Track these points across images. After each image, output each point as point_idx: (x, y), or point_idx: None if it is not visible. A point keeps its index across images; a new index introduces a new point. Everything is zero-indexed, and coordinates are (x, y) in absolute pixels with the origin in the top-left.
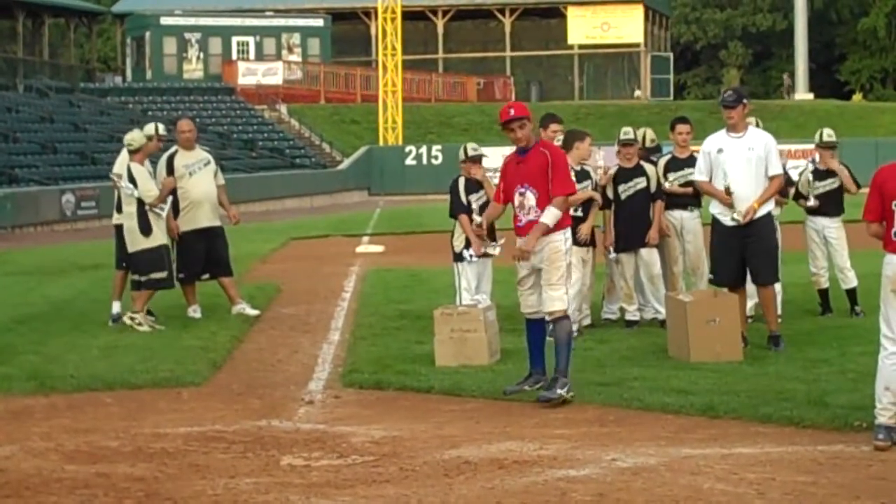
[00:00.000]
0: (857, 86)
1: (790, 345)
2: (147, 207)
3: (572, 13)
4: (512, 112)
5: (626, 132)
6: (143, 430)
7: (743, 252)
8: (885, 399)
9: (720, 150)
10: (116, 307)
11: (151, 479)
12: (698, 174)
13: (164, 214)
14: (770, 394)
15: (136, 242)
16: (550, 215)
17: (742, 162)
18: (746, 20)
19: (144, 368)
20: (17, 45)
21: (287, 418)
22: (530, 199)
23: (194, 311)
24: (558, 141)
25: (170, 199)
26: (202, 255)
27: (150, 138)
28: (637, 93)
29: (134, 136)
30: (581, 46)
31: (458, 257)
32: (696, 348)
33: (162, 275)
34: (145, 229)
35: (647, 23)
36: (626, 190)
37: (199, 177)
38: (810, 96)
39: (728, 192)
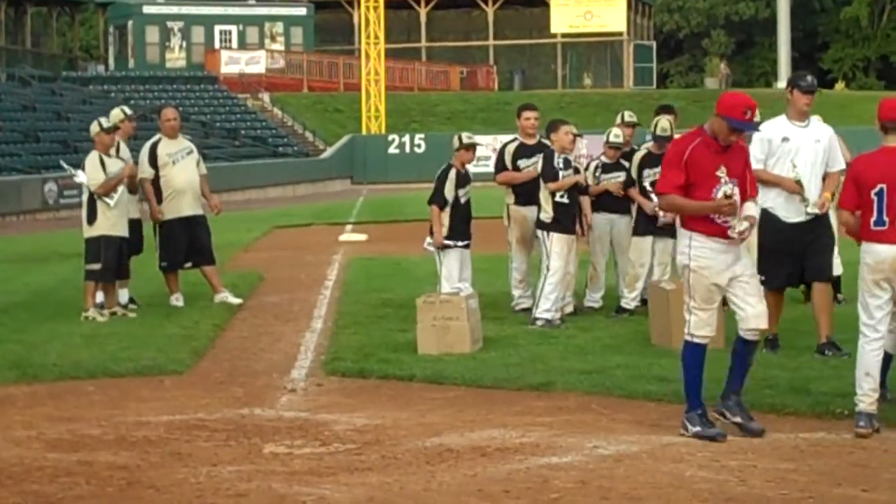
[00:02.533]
0: (839, 74)
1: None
2: (95, 196)
3: (555, 2)
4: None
5: (664, 129)
6: (126, 419)
7: (802, 250)
8: (866, 385)
9: (785, 139)
10: (123, 295)
11: (134, 468)
12: (755, 162)
13: (112, 203)
14: (752, 381)
15: (83, 230)
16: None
17: (811, 153)
18: (729, 9)
19: (127, 357)
20: (0, 33)
21: (269, 406)
22: (738, 197)
23: (177, 300)
24: (534, 128)
25: (121, 189)
26: (185, 243)
27: (121, 121)
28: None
29: (92, 126)
30: (564, 35)
31: (440, 245)
32: (679, 336)
33: (96, 266)
34: (90, 218)
35: (630, 11)
36: (649, 175)
37: (182, 165)
38: None
39: (799, 183)
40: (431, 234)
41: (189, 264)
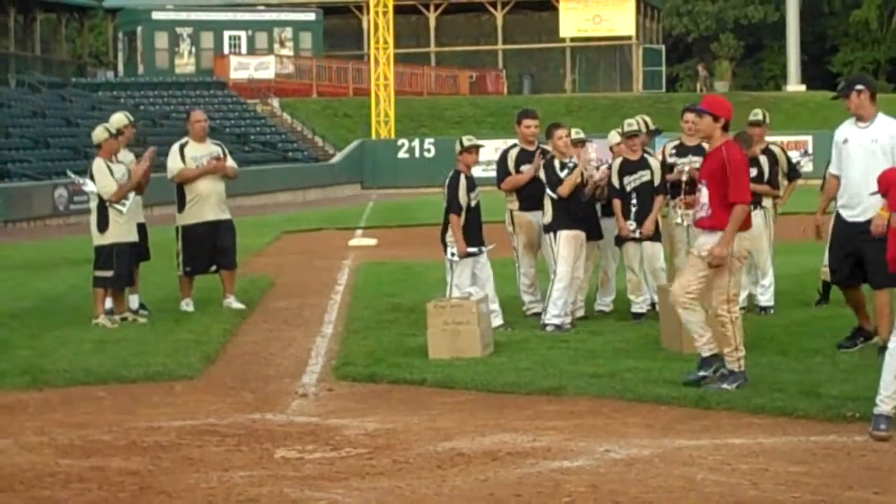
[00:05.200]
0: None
1: (783, 335)
2: (108, 203)
3: (564, 6)
4: None
5: (630, 123)
6: (137, 424)
7: (860, 250)
8: (893, 388)
9: (846, 141)
10: (134, 301)
11: (145, 473)
12: (832, 167)
13: (125, 210)
14: (763, 384)
15: (93, 238)
16: None
17: (860, 153)
18: (738, 12)
19: (137, 362)
20: (9, 40)
21: (281, 411)
22: None
23: (187, 305)
24: (534, 136)
25: (132, 196)
26: (209, 249)
27: (125, 126)
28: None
29: (97, 133)
30: (573, 39)
31: (464, 255)
32: (689, 340)
33: (108, 274)
34: (101, 226)
35: (639, 15)
36: (630, 182)
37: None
38: (802, 88)
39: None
40: (444, 244)
41: (214, 268)
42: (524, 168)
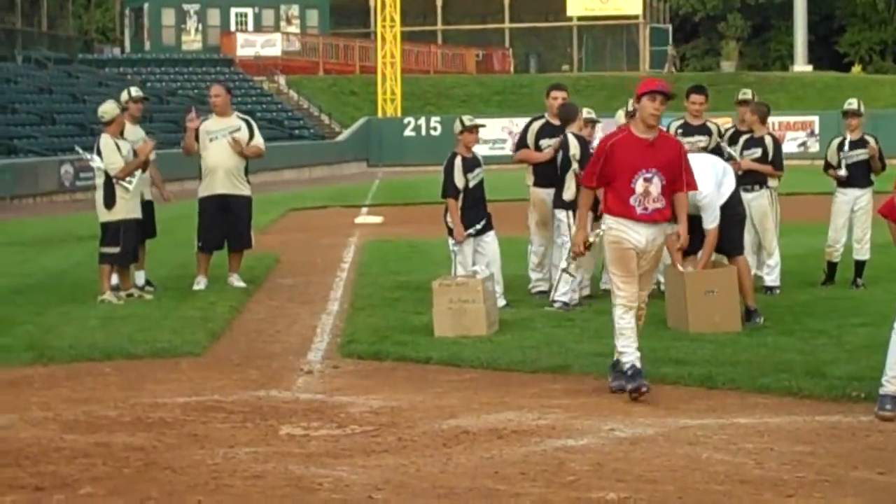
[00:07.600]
0: (856, 58)
1: (788, 315)
2: (114, 180)
3: None
4: None
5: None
6: (142, 400)
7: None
8: None
9: None
10: (140, 277)
11: (150, 449)
12: None
13: (131, 188)
14: (768, 364)
15: (100, 214)
16: None
17: None
18: None
19: (143, 338)
20: (16, 15)
21: (286, 388)
22: None
23: (198, 283)
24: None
25: (138, 173)
26: (220, 224)
27: (126, 102)
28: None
29: (106, 108)
30: (580, 18)
31: (463, 240)
32: (695, 319)
33: (114, 250)
34: (108, 202)
35: None
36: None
37: (218, 143)
38: (809, 68)
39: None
40: (448, 227)
41: (225, 246)
42: (543, 143)
